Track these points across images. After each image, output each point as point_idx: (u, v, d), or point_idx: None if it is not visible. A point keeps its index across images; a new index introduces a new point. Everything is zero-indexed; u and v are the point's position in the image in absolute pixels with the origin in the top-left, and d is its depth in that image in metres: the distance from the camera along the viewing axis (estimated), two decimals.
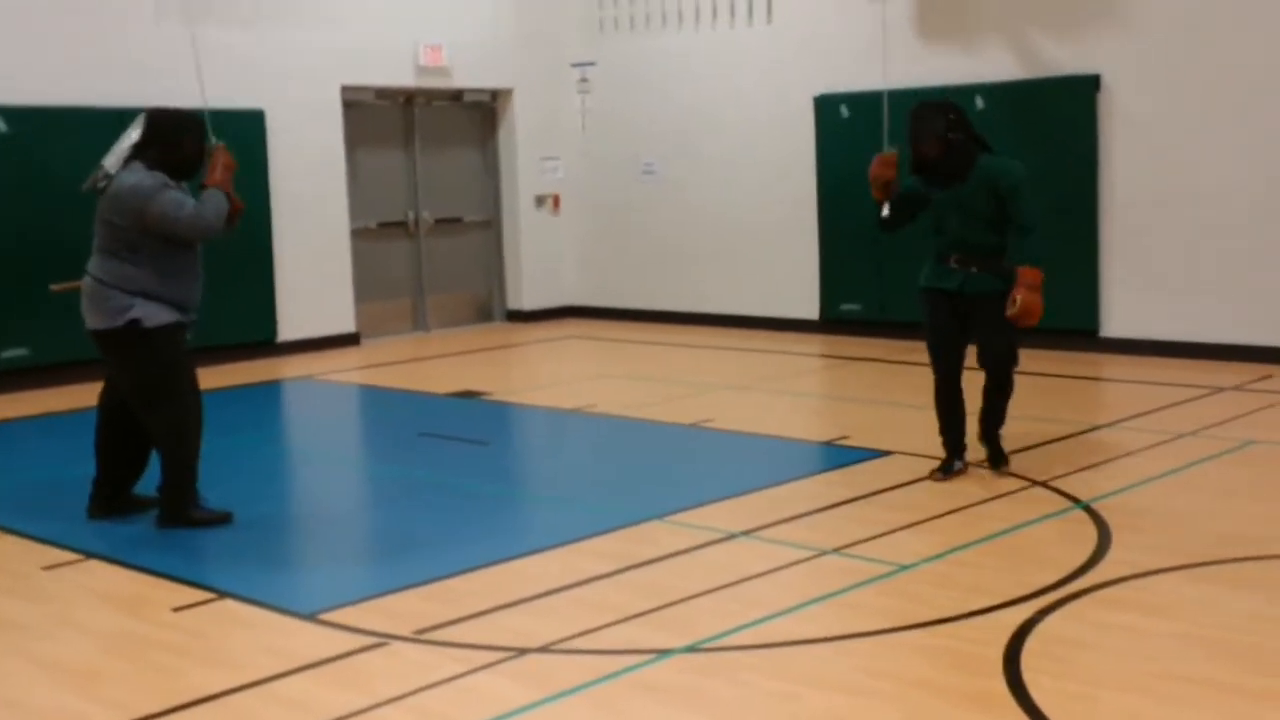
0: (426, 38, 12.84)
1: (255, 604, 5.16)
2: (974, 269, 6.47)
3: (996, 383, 6.63)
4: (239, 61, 11.56)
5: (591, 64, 13.82)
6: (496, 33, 13.42)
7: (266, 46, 11.78)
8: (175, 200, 5.98)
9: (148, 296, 6.01)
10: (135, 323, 5.98)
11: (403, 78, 12.81)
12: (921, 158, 6.45)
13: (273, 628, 4.94)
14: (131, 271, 6.00)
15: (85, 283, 6.14)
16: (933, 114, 6.39)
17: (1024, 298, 6.24)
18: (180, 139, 6.16)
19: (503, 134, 13.87)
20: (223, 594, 5.28)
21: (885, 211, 6.66)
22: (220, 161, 6.26)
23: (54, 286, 6.68)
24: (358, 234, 12.73)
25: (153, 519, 6.31)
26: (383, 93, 12.94)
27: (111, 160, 6.09)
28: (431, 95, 13.34)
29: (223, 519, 6.30)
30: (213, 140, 6.33)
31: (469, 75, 13.30)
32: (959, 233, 6.49)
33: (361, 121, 12.81)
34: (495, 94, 13.75)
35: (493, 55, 13.39)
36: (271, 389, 10.59)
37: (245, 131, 11.56)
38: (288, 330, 11.95)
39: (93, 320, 6.09)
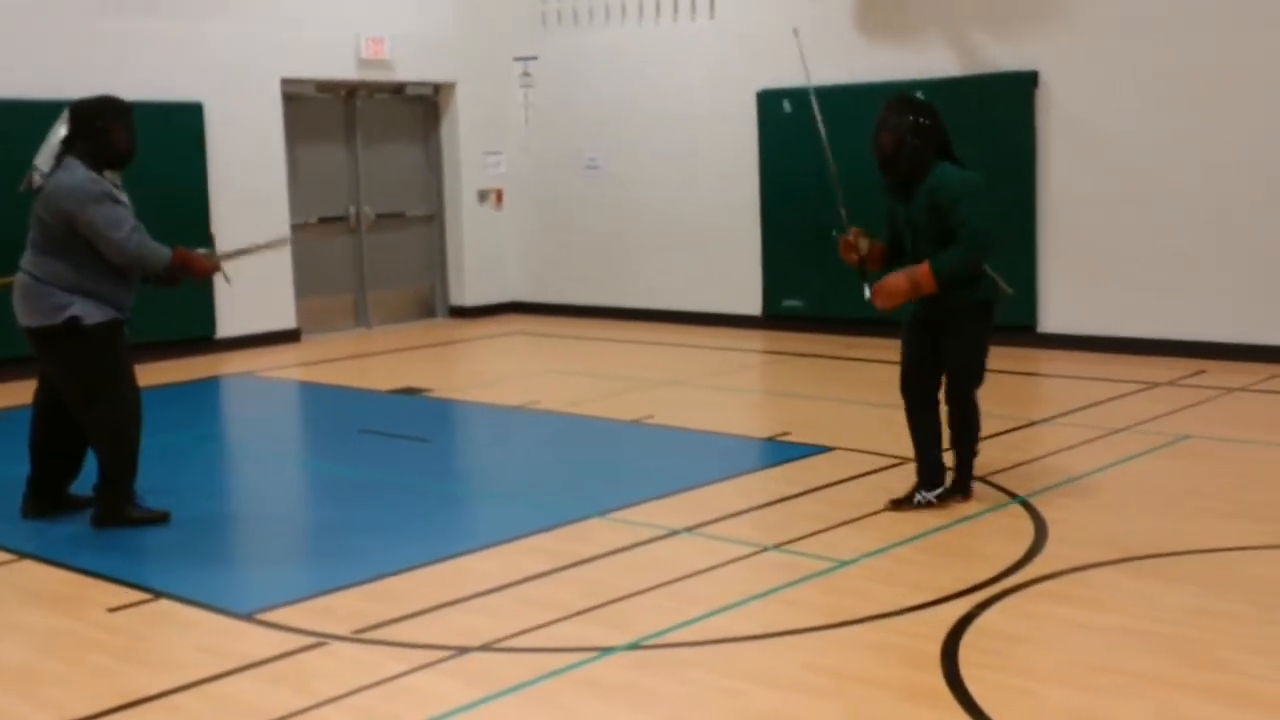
0: (368, 30, 12.75)
1: (193, 604, 5.10)
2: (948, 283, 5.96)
3: (957, 404, 6.08)
4: (177, 53, 11.44)
5: (534, 58, 13.78)
6: (439, 26, 13.34)
7: (205, 38, 11.65)
8: (113, 217, 5.86)
9: (85, 294, 5.90)
10: (74, 320, 5.88)
11: (344, 70, 12.71)
12: (877, 150, 6.14)
13: (211, 628, 4.88)
14: (68, 269, 5.89)
15: (19, 279, 6.02)
16: (901, 110, 6.04)
17: (891, 282, 5.96)
18: (108, 126, 5.99)
19: (445, 128, 13.80)
20: (159, 594, 5.22)
21: (867, 293, 6.18)
22: (199, 266, 6.15)
23: None
24: (298, 229, 12.61)
25: (87, 518, 6.21)
26: (324, 86, 12.84)
27: (43, 158, 5.97)
28: (373, 88, 13.25)
29: (160, 518, 6.21)
30: (215, 250, 6.28)
31: (411, 68, 13.22)
32: (913, 251, 6.06)
33: (302, 115, 12.70)
34: (438, 88, 13.68)
35: (435, 48, 13.32)
36: (210, 386, 10.48)
37: (183, 124, 11.45)
38: (227, 326, 11.83)
39: (28, 317, 5.99)
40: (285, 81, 12.28)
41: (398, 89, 13.46)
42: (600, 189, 13.48)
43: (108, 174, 6.01)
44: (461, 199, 13.81)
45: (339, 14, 12.54)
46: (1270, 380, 9.10)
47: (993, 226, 5.92)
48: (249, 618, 4.93)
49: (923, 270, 5.89)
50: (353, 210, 13.25)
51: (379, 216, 13.43)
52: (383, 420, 8.65)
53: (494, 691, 4.20)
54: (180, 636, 4.84)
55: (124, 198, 6.04)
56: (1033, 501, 6.14)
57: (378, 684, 4.28)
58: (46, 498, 6.39)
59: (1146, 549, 5.47)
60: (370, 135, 13.36)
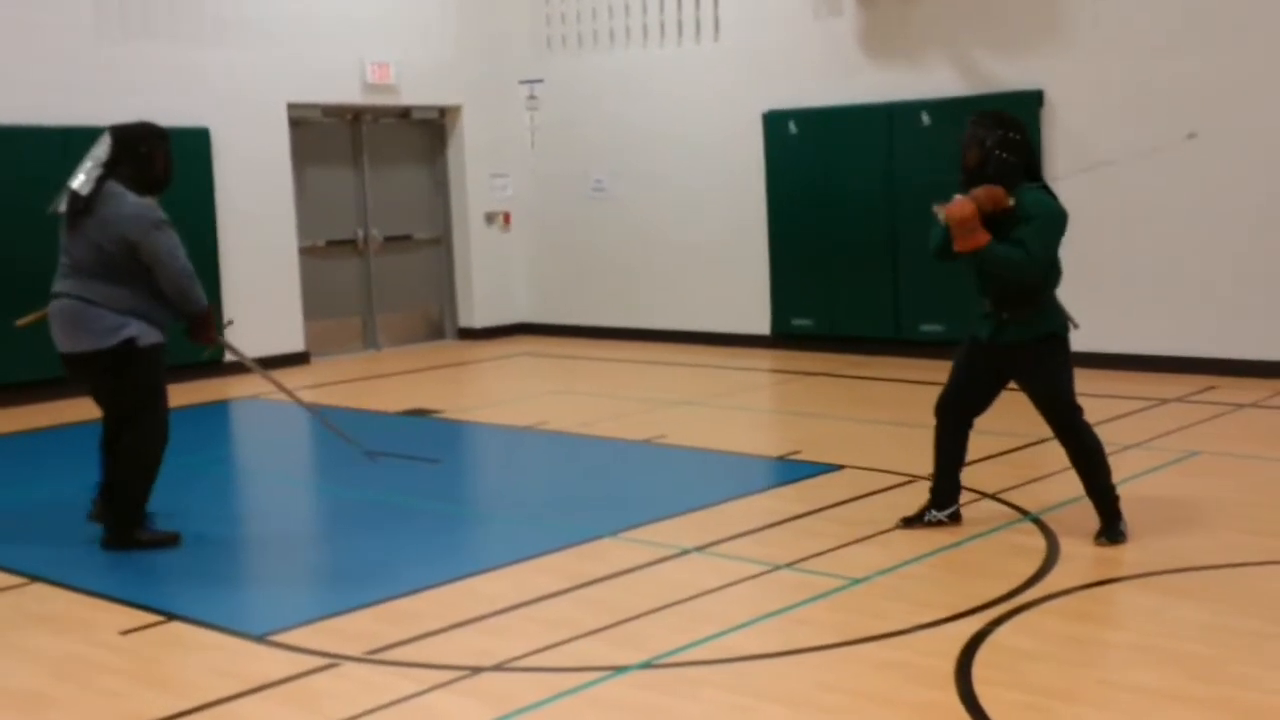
0: (374, 55, 12.81)
1: (205, 626, 5.10)
2: (1005, 315, 5.74)
3: (1064, 439, 5.80)
4: (183, 79, 11.50)
5: (540, 81, 13.83)
6: (445, 50, 13.40)
7: (211, 63, 11.71)
8: (173, 245, 5.99)
9: (139, 316, 5.99)
10: (130, 341, 5.95)
11: (350, 95, 12.77)
12: (963, 165, 5.81)
13: (223, 650, 4.88)
14: (121, 292, 5.96)
15: (64, 305, 6.02)
16: (989, 124, 5.74)
17: (957, 205, 5.63)
18: (151, 152, 6.12)
19: (452, 151, 13.85)
20: (171, 616, 5.22)
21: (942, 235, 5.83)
22: (212, 331, 6.26)
23: (19, 322, 6.56)
24: (306, 252, 12.66)
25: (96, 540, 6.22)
26: (330, 110, 12.89)
27: (80, 180, 6.01)
28: (379, 112, 13.30)
29: (170, 540, 6.22)
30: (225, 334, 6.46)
31: (417, 92, 13.27)
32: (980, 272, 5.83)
33: (309, 139, 12.75)
34: (444, 111, 13.73)
35: (441, 72, 13.38)
36: (220, 409, 10.49)
37: (190, 150, 11.48)
38: None
39: (76, 343, 5.99)
40: (291, 106, 12.33)
41: (404, 113, 13.51)
42: (607, 210, 13.51)
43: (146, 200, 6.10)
44: (469, 221, 13.85)
45: (345, 39, 12.60)
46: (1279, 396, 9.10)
47: (1053, 260, 5.68)
48: (261, 639, 4.93)
49: (971, 212, 5.57)
50: (360, 233, 13.29)
51: (387, 239, 13.46)
52: (392, 442, 8.66)
53: (507, 712, 4.19)
54: (192, 658, 4.84)
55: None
56: (1044, 518, 6.14)
57: (390, 705, 4.27)
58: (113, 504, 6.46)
59: (1158, 565, 5.46)
60: (377, 159, 13.41)
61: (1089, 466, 5.81)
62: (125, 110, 11.09)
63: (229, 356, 6.70)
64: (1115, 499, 5.82)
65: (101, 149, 6.07)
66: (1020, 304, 5.73)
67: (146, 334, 6.00)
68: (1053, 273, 5.77)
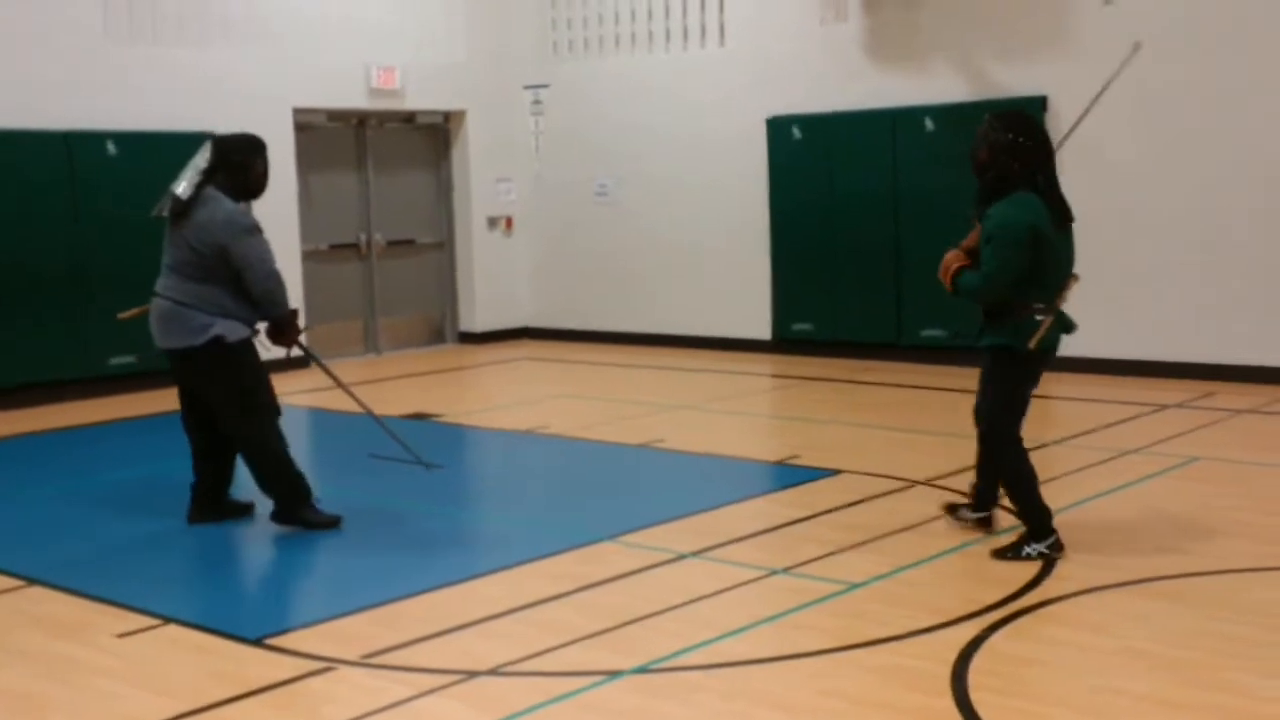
0: (379, 60, 12.83)
1: (201, 629, 5.11)
2: (981, 322, 5.73)
3: (984, 448, 5.86)
4: (188, 83, 11.51)
5: (545, 86, 13.85)
6: (449, 55, 13.42)
7: (216, 68, 11.73)
8: (263, 250, 6.29)
9: (226, 314, 6.27)
10: (218, 339, 6.24)
11: (355, 100, 12.78)
12: (972, 162, 5.72)
13: (219, 653, 4.89)
14: (210, 292, 6.25)
15: (159, 304, 6.35)
16: (1001, 126, 5.65)
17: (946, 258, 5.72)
18: (250, 161, 6.42)
19: (456, 156, 13.86)
20: (167, 619, 5.22)
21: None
22: (295, 331, 6.53)
23: (121, 315, 6.95)
24: (309, 256, 12.67)
25: (91, 541, 6.23)
26: (335, 115, 12.90)
27: (182, 186, 6.32)
28: (384, 117, 13.32)
29: (333, 523, 6.47)
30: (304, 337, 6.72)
31: (422, 97, 13.29)
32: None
33: (313, 143, 12.77)
34: (448, 116, 13.75)
35: (446, 77, 13.39)
36: None
37: (195, 153, 11.49)
38: None
39: (170, 340, 6.33)
40: (297, 111, 12.35)
41: (408, 117, 13.52)
42: (610, 215, 13.52)
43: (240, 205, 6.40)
44: (472, 225, 13.86)
45: (350, 44, 12.62)
46: (1278, 402, 9.09)
47: (1017, 275, 5.50)
48: (258, 643, 4.93)
49: (954, 261, 5.72)
50: (363, 237, 13.31)
51: (390, 243, 13.48)
52: (392, 445, 8.65)
53: (502, 716, 4.19)
54: (188, 662, 4.84)
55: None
56: None
57: (386, 709, 4.28)
58: (209, 505, 6.69)
59: (1154, 571, 5.46)
60: (381, 163, 13.42)
61: (1004, 486, 5.80)
62: (130, 114, 11.19)
63: (301, 353, 6.91)
64: (1030, 522, 5.68)
65: (202, 157, 6.39)
66: (993, 313, 5.69)
67: (233, 331, 6.27)
68: (1029, 287, 5.56)
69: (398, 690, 4.42)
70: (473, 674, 4.54)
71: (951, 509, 6.19)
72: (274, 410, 6.50)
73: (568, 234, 13.90)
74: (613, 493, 7.35)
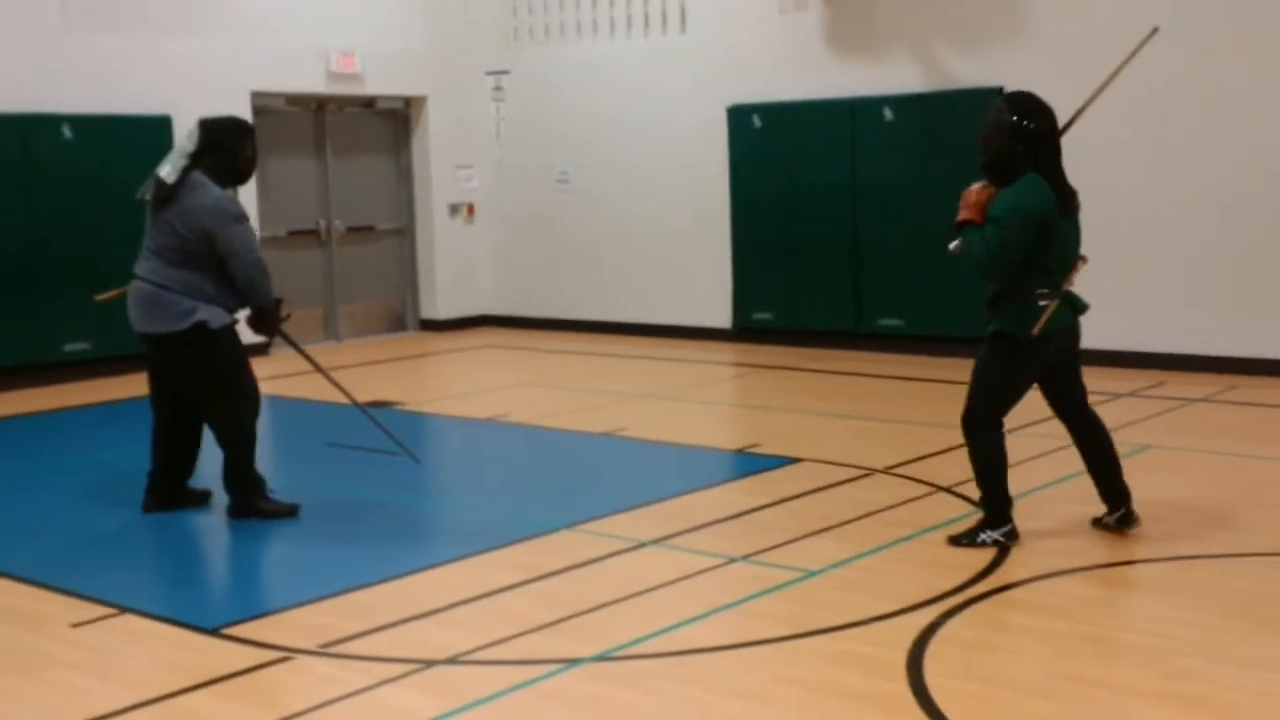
0: (339, 44, 12.75)
1: (157, 619, 5.08)
2: (985, 309, 5.72)
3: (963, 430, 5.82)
4: (146, 66, 11.42)
5: (506, 72, 13.80)
6: (410, 40, 13.35)
7: (175, 51, 11.63)
8: (249, 238, 6.26)
9: (209, 300, 6.21)
10: (202, 325, 6.17)
11: (314, 84, 12.70)
12: (980, 144, 5.70)
13: (175, 643, 4.86)
14: (194, 277, 6.18)
15: (140, 287, 6.27)
16: (1007, 107, 5.63)
17: (979, 189, 5.63)
18: (239, 144, 6.35)
19: (416, 142, 13.81)
20: (123, 609, 5.19)
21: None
22: (277, 321, 6.45)
23: (99, 297, 6.95)
24: (268, 242, 12.56)
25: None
26: (294, 99, 12.82)
27: (167, 170, 6.23)
28: (344, 102, 13.24)
29: (290, 511, 6.44)
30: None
31: (382, 82, 13.22)
32: None
33: (272, 128, 12.67)
34: (409, 101, 13.68)
35: (406, 62, 13.33)
36: None
37: (152, 137, 11.40)
38: None
39: (151, 324, 6.25)
40: (255, 94, 12.26)
41: (368, 102, 13.45)
42: (571, 203, 13.50)
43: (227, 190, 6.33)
44: (432, 212, 13.81)
45: (309, 27, 12.53)
46: (1230, 391, 9.19)
47: (1013, 257, 5.48)
48: (215, 632, 4.91)
49: (980, 196, 5.59)
50: (323, 223, 13.23)
51: (349, 230, 13.41)
52: (351, 434, 8.62)
53: (460, 705, 4.19)
54: (144, 652, 4.82)
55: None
56: None
57: (344, 698, 4.27)
58: (166, 493, 6.61)
59: (1108, 558, 5.53)
60: (341, 148, 13.35)
61: (972, 467, 5.76)
62: (88, 97, 11.07)
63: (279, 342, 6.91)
64: (988, 509, 5.73)
65: (189, 140, 6.29)
66: (996, 300, 5.66)
67: (216, 317, 6.22)
68: (1032, 271, 5.56)
69: (356, 679, 4.41)
70: (431, 663, 4.54)
71: (1095, 521, 5.94)
72: (254, 398, 6.45)
73: (529, 221, 13.88)
74: (572, 481, 7.35)
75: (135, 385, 10.60)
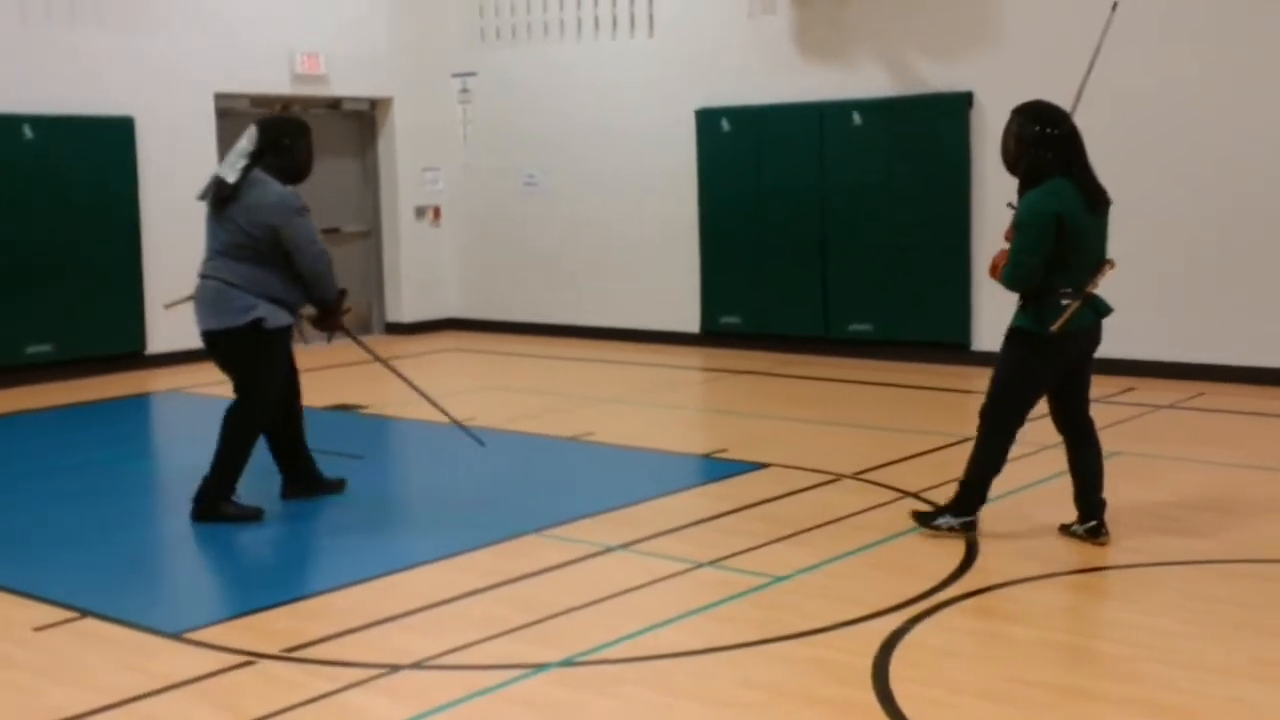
0: (304, 45, 12.67)
1: (119, 623, 5.02)
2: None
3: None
4: (109, 66, 11.32)
5: (473, 74, 13.76)
6: (375, 41, 13.29)
7: (138, 51, 11.53)
8: (312, 231, 6.34)
9: (270, 299, 6.27)
10: (259, 322, 6.24)
11: (279, 85, 12.62)
12: (1003, 155, 5.79)
13: (136, 647, 4.81)
14: (259, 274, 6.26)
15: (207, 285, 6.34)
16: (1027, 119, 5.72)
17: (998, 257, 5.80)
18: (295, 143, 6.45)
19: (382, 144, 13.74)
20: (85, 612, 5.13)
21: None
22: (340, 315, 6.58)
23: (167, 304, 7.04)
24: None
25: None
26: (258, 100, 12.72)
27: (226, 169, 6.33)
28: (309, 103, 13.16)
29: (254, 515, 6.40)
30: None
31: (347, 83, 13.15)
32: None
33: (236, 129, 12.49)
34: (374, 103, 13.62)
35: (371, 63, 13.26)
36: (139, 402, 10.34)
37: (114, 138, 11.32)
38: (157, 342, 11.67)
39: (211, 321, 6.31)
40: (219, 96, 12.17)
41: (334, 104, 13.38)
42: (539, 206, 13.47)
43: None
44: (398, 215, 13.75)
45: (274, 28, 12.45)
46: (1198, 398, 9.25)
47: (1035, 262, 5.56)
48: (177, 636, 4.86)
49: (1000, 259, 5.77)
50: None
51: None
52: (316, 437, 8.55)
53: (425, 710, 4.16)
54: (105, 655, 4.75)
55: None
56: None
57: (306, 703, 4.23)
58: (296, 479, 6.74)
59: (1073, 564, 5.54)
60: None
61: (971, 455, 5.87)
62: (50, 96, 10.96)
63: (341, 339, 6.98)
64: (961, 495, 5.87)
65: (247, 140, 6.37)
66: (1025, 298, 5.72)
67: (275, 317, 6.29)
68: (1056, 272, 5.61)
69: (319, 684, 4.37)
70: (396, 667, 4.51)
71: (1063, 528, 5.95)
72: (271, 406, 6.46)
73: (496, 224, 13.84)
74: (539, 486, 7.32)
75: (98, 388, 10.54)
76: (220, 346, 6.38)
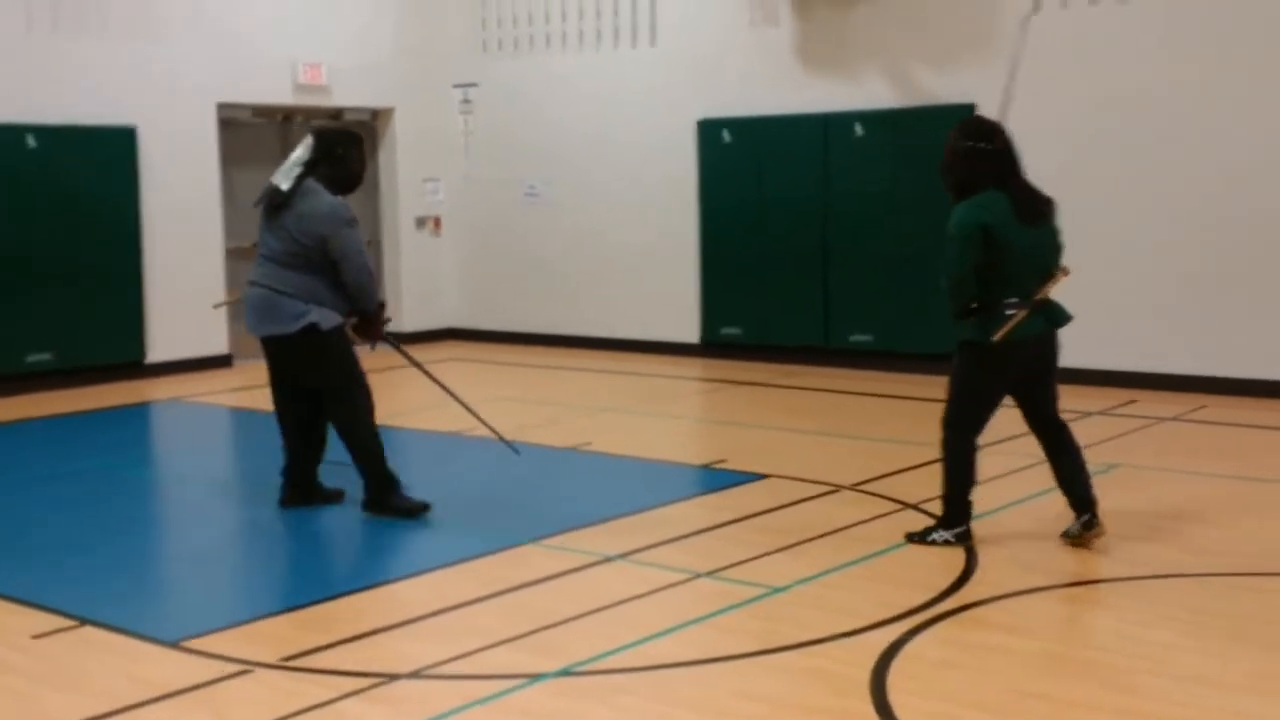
0: (306, 55, 12.70)
1: (117, 631, 5.02)
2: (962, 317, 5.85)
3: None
4: (111, 76, 11.34)
5: (474, 85, 13.79)
6: (377, 51, 13.31)
7: (140, 61, 11.54)
8: (360, 242, 6.48)
9: (320, 303, 6.39)
10: (313, 326, 6.37)
11: (281, 95, 12.64)
12: (940, 169, 5.90)
13: (134, 655, 4.80)
14: (307, 281, 6.38)
15: (256, 293, 6.46)
16: (961, 134, 5.80)
17: None
18: (349, 153, 6.57)
19: (383, 154, 13.75)
20: (83, 621, 5.12)
21: None
22: (380, 325, 6.67)
23: (215, 305, 7.13)
24: (233, 253, 12.49)
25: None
26: (260, 110, 12.75)
27: (281, 176, 6.44)
28: (310, 114, 13.17)
29: (423, 509, 6.54)
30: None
31: (349, 94, 13.17)
32: None
33: (238, 139, 12.61)
34: (376, 113, 13.63)
35: (373, 74, 13.28)
36: (139, 411, 10.33)
37: (117, 148, 11.33)
38: (157, 351, 11.68)
39: (266, 327, 6.46)
40: (221, 106, 12.19)
41: (336, 114, 13.39)
42: (539, 216, 13.48)
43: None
44: (399, 225, 13.76)
45: (276, 38, 12.47)
46: (1200, 410, 9.25)
47: (963, 273, 5.63)
48: (174, 645, 4.85)
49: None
50: None
51: None
52: None
53: (423, 719, 4.16)
54: (103, 663, 4.75)
55: None
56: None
57: (303, 712, 4.23)
58: (302, 486, 6.76)
59: (1073, 576, 5.54)
60: None
61: (943, 468, 5.94)
62: (53, 107, 10.98)
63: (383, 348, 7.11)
64: (947, 509, 5.93)
65: (303, 150, 6.49)
66: (973, 310, 5.75)
67: (327, 318, 6.40)
68: (997, 283, 5.64)
69: (317, 693, 4.37)
70: (394, 677, 4.50)
71: (1063, 534, 5.97)
72: (368, 394, 6.58)
73: (497, 235, 13.85)
74: (538, 495, 7.31)
75: (98, 397, 10.54)
76: (287, 354, 6.50)
